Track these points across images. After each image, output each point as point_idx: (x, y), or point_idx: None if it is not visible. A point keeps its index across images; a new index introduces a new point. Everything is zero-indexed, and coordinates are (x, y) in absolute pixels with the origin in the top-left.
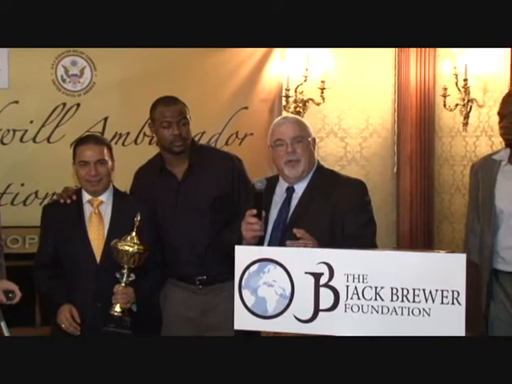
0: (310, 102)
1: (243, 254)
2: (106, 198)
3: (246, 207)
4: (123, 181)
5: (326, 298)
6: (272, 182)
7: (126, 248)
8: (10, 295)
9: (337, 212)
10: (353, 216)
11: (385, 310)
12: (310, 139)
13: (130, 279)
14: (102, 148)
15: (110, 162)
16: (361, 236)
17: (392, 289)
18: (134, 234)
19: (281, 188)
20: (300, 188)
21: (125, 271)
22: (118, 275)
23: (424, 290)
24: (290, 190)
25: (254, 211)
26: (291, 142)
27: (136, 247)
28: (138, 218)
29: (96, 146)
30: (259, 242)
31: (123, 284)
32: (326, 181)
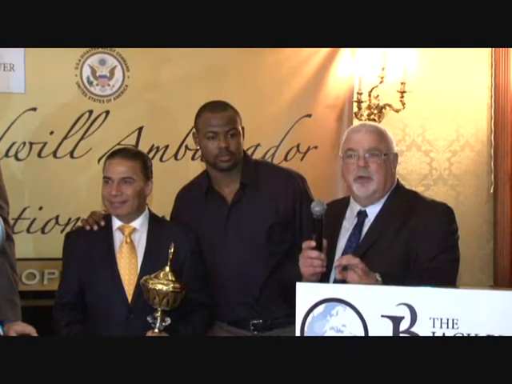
0: (388, 108)
1: (306, 293)
2: (140, 225)
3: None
4: (161, 204)
5: None
6: (341, 205)
7: (159, 287)
8: None
9: (413, 239)
10: (431, 246)
11: None
12: (390, 154)
13: (165, 324)
14: (133, 164)
15: (140, 182)
16: (438, 271)
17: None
18: (167, 269)
19: (351, 212)
20: (373, 212)
21: (158, 314)
22: (149, 319)
23: None
24: (361, 215)
25: (313, 243)
26: (365, 154)
27: (171, 285)
28: (172, 250)
29: (124, 161)
30: (321, 278)
31: (156, 330)
32: (404, 204)
